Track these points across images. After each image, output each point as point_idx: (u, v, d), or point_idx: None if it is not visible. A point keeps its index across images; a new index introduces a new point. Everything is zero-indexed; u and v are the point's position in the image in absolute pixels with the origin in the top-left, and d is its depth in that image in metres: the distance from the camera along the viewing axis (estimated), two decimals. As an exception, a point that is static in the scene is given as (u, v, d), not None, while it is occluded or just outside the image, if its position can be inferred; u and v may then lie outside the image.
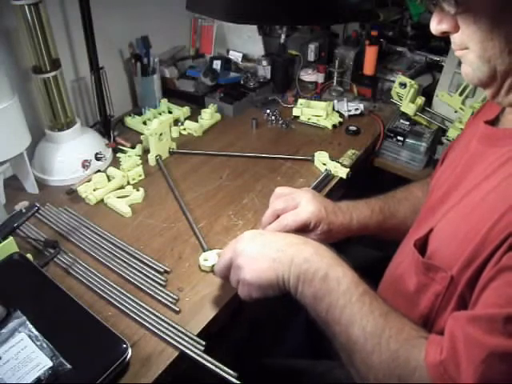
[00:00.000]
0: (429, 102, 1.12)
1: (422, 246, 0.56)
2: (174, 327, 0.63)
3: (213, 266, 0.71)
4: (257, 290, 0.58)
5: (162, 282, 0.70)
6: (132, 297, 0.67)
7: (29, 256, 0.72)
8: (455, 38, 0.52)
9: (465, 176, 0.57)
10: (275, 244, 0.58)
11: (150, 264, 0.73)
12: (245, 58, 1.34)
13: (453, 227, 0.53)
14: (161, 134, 0.98)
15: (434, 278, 0.53)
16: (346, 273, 0.53)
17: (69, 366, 0.55)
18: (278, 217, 0.71)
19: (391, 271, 0.67)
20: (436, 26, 0.52)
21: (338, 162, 0.97)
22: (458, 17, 0.50)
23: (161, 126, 0.97)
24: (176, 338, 0.61)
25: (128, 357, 0.57)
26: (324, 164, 0.97)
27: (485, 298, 0.45)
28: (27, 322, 0.58)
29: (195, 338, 0.62)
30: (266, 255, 0.57)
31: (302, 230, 0.70)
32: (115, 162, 0.99)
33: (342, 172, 0.95)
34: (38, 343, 0.57)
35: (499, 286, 0.44)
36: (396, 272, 0.64)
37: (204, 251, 0.75)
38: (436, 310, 0.53)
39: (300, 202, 0.70)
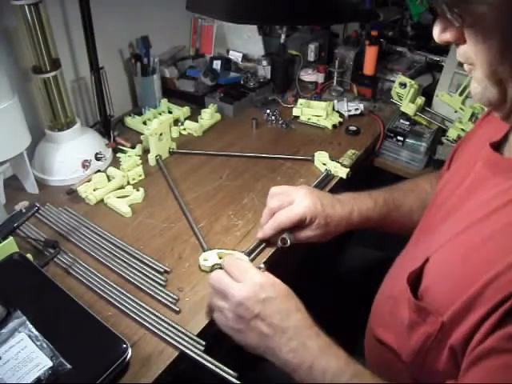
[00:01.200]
0: (429, 102, 1.12)
1: (416, 277, 0.54)
2: (174, 327, 0.63)
3: (213, 266, 0.71)
4: (237, 338, 0.58)
5: (162, 282, 0.70)
6: (132, 297, 0.67)
7: (29, 256, 0.72)
8: (461, 50, 0.48)
9: (466, 200, 0.55)
10: (270, 315, 0.55)
11: (150, 264, 0.73)
12: (245, 58, 1.34)
13: (448, 266, 0.51)
14: (161, 134, 0.98)
15: (425, 320, 0.51)
16: (331, 361, 0.52)
17: (69, 366, 0.54)
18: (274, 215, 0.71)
19: (386, 289, 0.66)
20: (439, 34, 0.48)
21: (338, 162, 0.97)
22: (464, 28, 0.45)
23: (161, 126, 0.97)
24: (176, 337, 0.61)
25: (128, 357, 0.57)
26: (324, 164, 0.97)
27: (475, 378, 0.43)
28: (27, 322, 0.58)
29: (195, 338, 0.62)
30: (255, 326, 0.55)
31: (299, 225, 0.70)
32: (115, 162, 0.99)
33: (342, 172, 0.95)
34: (38, 343, 0.56)
35: (491, 367, 0.42)
36: (390, 293, 0.61)
37: (204, 251, 0.75)
38: (427, 348, 0.51)
39: (295, 199, 0.70)
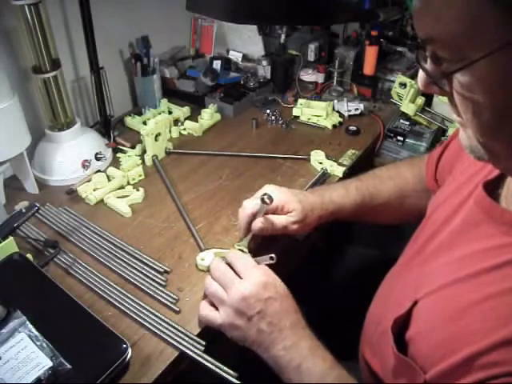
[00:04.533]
0: (429, 101, 1.12)
1: (403, 321, 0.53)
2: (174, 327, 0.63)
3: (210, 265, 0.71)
4: (232, 333, 0.59)
5: (162, 282, 0.70)
6: (132, 297, 0.67)
7: (29, 256, 0.72)
8: (450, 101, 0.43)
9: (458, 240, 0.52)
10: (270, 314, 0.57)
11: (150, 264, 0.73)
12: (245, 58, 1.34)
13: (434, 323, 0.49)
14: (158, 134, 0.98)
15: (408, 372, 0.50)
16: (317, 363, 0.55)
17: (69, 366, 0.54)
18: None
19: (375, 312, 0.64)
20: (424, 87, 0.44)
21: (334, 161, 0.97)
22: (453, 92, 0.41)
23: (157, 126, 0.97)
24: (176, 337, 0.61)
25: (128, 357, 0.57)
26: (320, 163, 0.97)
27: None
28: (27, 322, 0.58)
29: (195, 338, 0.62)
30: (255, 323, 0.57)
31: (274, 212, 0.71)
32: (115, 162, 0.99)
33: (339, 171, 0.95)
34: (38, 343, 0.56)
35: None
36: (378, 320, 0.60)
37: (201, 251, 0.75)
38: None
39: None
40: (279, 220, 0.70)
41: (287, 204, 0.71)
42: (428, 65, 0.42)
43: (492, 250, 0.46)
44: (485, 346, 0.42)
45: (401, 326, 0.53)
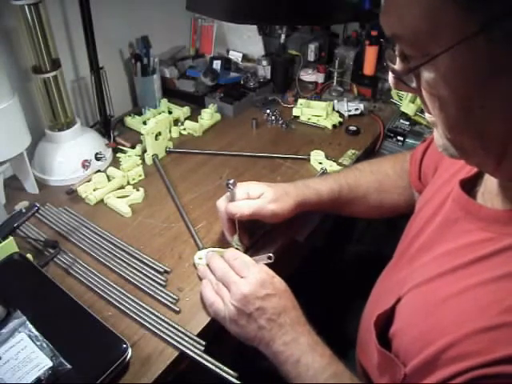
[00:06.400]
0: (429, 101, 1.12)
1: (387, 318, 0.54)
2: (174, 327, 0.63)
3: (207, 264, 0.71)
4: (233, 329, 0.60)
5: (162, 282, 0.70)
6: (132, 297, 0.67)
7: (29, 256, 0.72)
8: (420, 99, 0.44)
9: (439, 238, 0.54)
10: (268, 311, 0.58)
11: (150, 264, 0.73)
12: (245, 58, 1.35)
13: (413, 317, 0.50)
14: (159, 134, 0.98)
15: (390, 367, 0.51)
16: (316, 359, 0.55)
17: (69, 366, 0.54)
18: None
19: (369, 311, 0.64)
20: (392, 85, 0.46)
21: (334, 161, 0.97)
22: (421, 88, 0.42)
23: (157, 126, 0.97)
24: (176, 337, 0.61)
25: (128, 357, 0.57)
26: (320, 163, 0.98)
27: None
28: (27, 322, 0.58)
29: (195, 338, 0.62)
30: (255, 319, 0.58)
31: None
32: (115, 162, 0.99)
33: (338, 171, 0.95)
34: (38, 343, 0.56)
35: None
36: (369, 322, 0.60)
37: (199, 250, 0.75)
38: None
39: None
40: (253, 201, 0.71)
41: (256, 190, 0.72)
42: (397, 63, 0.43)
43: (471, 245, 0.47)
44: (459, 336, 0.42)
45: (385, 323, 0.53)
